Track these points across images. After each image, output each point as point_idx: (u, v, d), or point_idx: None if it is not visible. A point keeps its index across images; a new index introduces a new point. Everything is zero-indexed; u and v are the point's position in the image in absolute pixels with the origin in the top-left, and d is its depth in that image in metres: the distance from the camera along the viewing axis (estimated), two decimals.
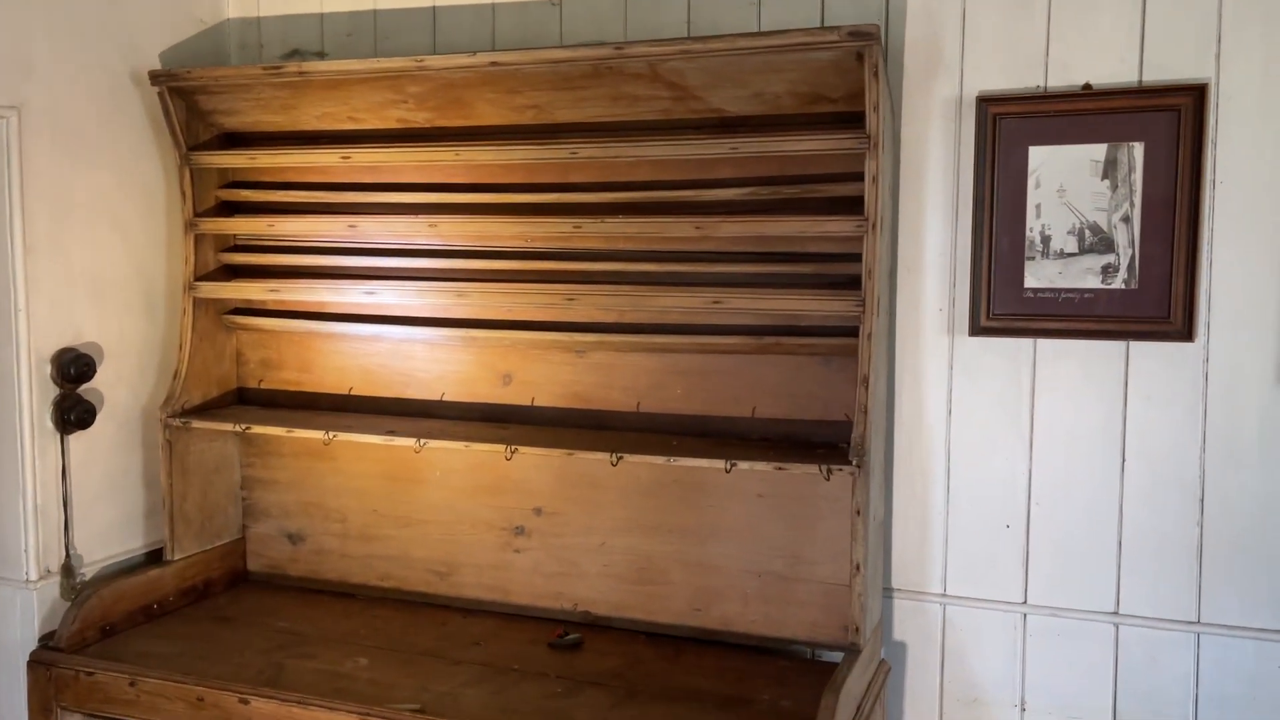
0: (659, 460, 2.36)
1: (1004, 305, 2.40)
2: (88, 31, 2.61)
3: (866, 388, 2.23)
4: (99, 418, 2.64)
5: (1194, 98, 2.23)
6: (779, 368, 2.50)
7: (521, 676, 2.36)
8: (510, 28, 2.78)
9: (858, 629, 2.23)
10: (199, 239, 2.82)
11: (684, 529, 2.58)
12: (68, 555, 2.59)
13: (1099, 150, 2.31)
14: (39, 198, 2.51)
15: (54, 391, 2.55)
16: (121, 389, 2.74)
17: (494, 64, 2.38)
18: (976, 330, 2.42)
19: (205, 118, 2.80)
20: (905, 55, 2.45)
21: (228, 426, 2.74)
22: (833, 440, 2.44)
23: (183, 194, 2.79)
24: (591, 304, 2.50)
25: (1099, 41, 2.31)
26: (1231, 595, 2.31)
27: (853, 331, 2.30)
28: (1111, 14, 2.30)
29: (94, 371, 2.60)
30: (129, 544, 2.78)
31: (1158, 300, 2.29)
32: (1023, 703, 2.47)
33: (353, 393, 2.87)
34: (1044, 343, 2.40)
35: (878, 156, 2.21)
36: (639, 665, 2.43)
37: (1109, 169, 2.31)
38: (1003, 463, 2.45)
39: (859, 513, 2.22)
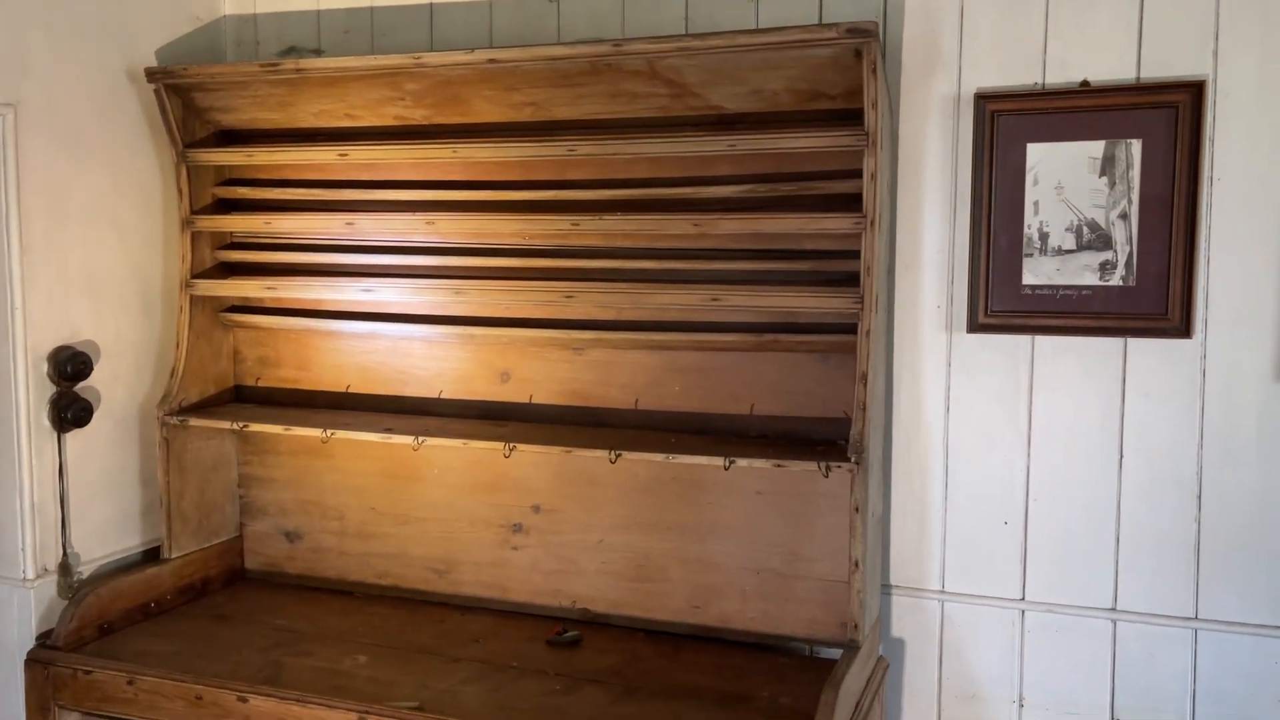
0: (657, 458, 2.36)
1: (1002, 302, 2.40)
2: (84, 29, 2.61)
3: (865, 385, 2.23)
4: (96, 416, 2.63)
5: (1192, 94, 2.23)
6: (777, 365, 2.50)
7: (520, 674, 2.36)
8: (507, 24, 2.78)
9: (856, 626, 2.23)
10: (196, 236, 2.81)
11: (682, 526, 2.58)
12: (65, 553, 2.59)
13: (1097, 147, 2.31)
14: (35, 195, 2.50)
15: (51, 390, 2.54)
16: (118, 387, 2.73)
17: (492, 61, 2.37)
18: (974, 327, 2.43)
19: (202, 115, 2.80)
20: (903, 52, 2.45)
21: (225, 424, 2.73)
22: (831, 437, 2.44)
23: (179, 191, 2.79)
24: (589, 301, 2.50)
25: (1097, 38, 2.31)
26: (1229, 591, 2.31)
27: (851, 328, 2.30)
28: (1109, 11, 2.30)
29: (91, 369, 2.59)
30: (126, 542, 2.77)
31: (1155, 297, 2.29)
32: (1021, 699, 2.48)
33: (350, 390, 2.87)
34: (1042, 340, 2.40)
35: (876, 154, 2.21)
36: (638, 663, 2.44)
37: (1107, 166, 2.31)
38: (1001, 459, 2.45)
39: (857, 510, 2.22)
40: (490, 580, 2.77)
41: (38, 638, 2.50)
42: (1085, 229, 2.33)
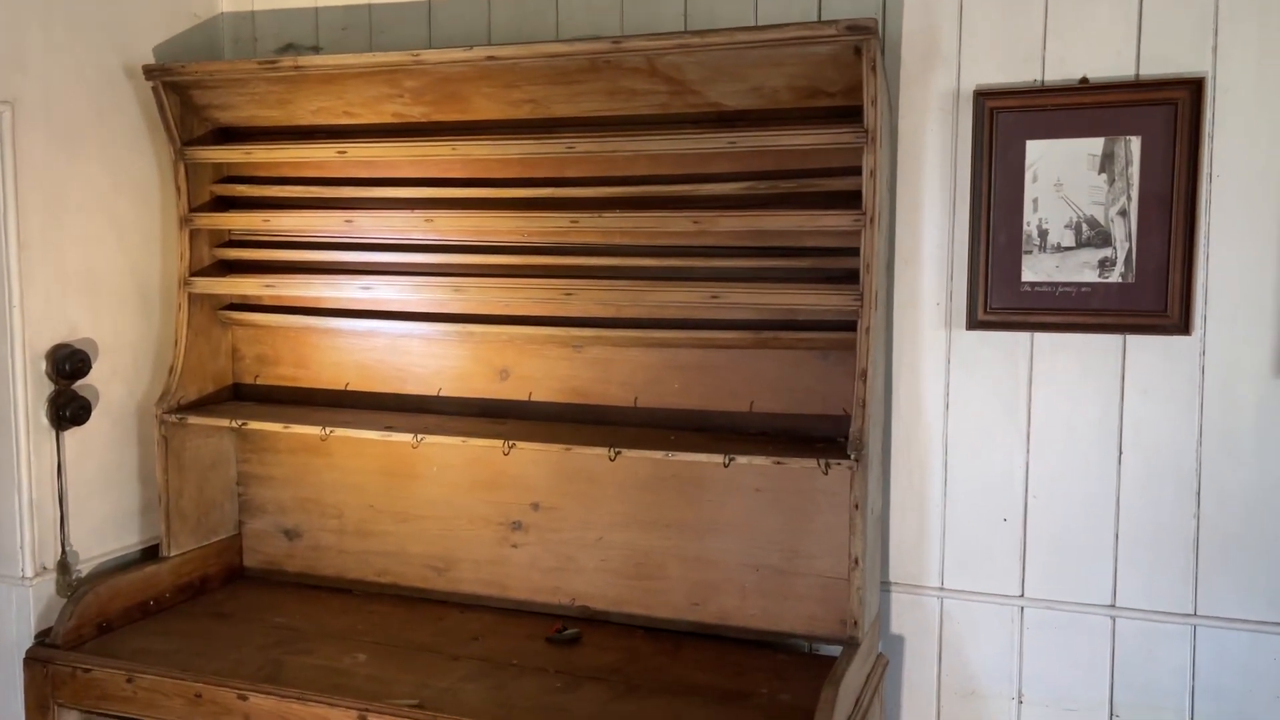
0: (657, 455, 2.36)
1: (1001, 299, 2.40)
2: (82, 26, 2.60)
3: (864, 382, 2.23)
4: (94, 414, 2.63)
5: (1191, 91, 2.23)
6: (777, 362, 2.50)
7: (520, 671, 2.36)
8: (506, 21, 2.78)
9: (856, 623, 2.24)
10: (194, 234, 2.81)
11: (682, 523, 2.59)
12: (64, 552, 2.58)
13: (1096, 144, 2.31)
14: (33, 193, 2.49)
15: (49, 388, 2.54)
16: (117, 385, 2.73)
17: (491, 58, 2.37)
18: (974, 324, 2.43)
19: (200, 112, 2.79)
20: (903, 49, 2.45)
21: (224, 422, 2.73)
22: (831, 434, 2.44)
23: (177, 189, 2.78)
24: (589, 299, 2.50)
25: (1096, 35, 2.31)
26: (1228, 588, 2.31)
27: (850, 325, 2.30)
28: (1108, 7, 2.30)
29: (89, 367, 2.59)
30: (125, 540, 2.77)
31: (1155, 294, 2.29)
32: (1020, 695, 2.48)
33: (349, 388, 2.86)
34: (1041, 336, 2.40)
35: (875, 151, 2.21)
36: (638, 660, 2.44)
37: (1106, 163, 2.31)
38: (1000, 456, 2.46)
39: (857, 507, 2.22)
40: (489, 578, 2.76)
41: (36, 636, 2.50)
42: (1084, 226, 2.34)
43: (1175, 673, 2.36)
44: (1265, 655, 2.30)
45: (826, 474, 2.32)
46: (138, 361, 2.79)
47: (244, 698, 2.24)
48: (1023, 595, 2.46)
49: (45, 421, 2.53)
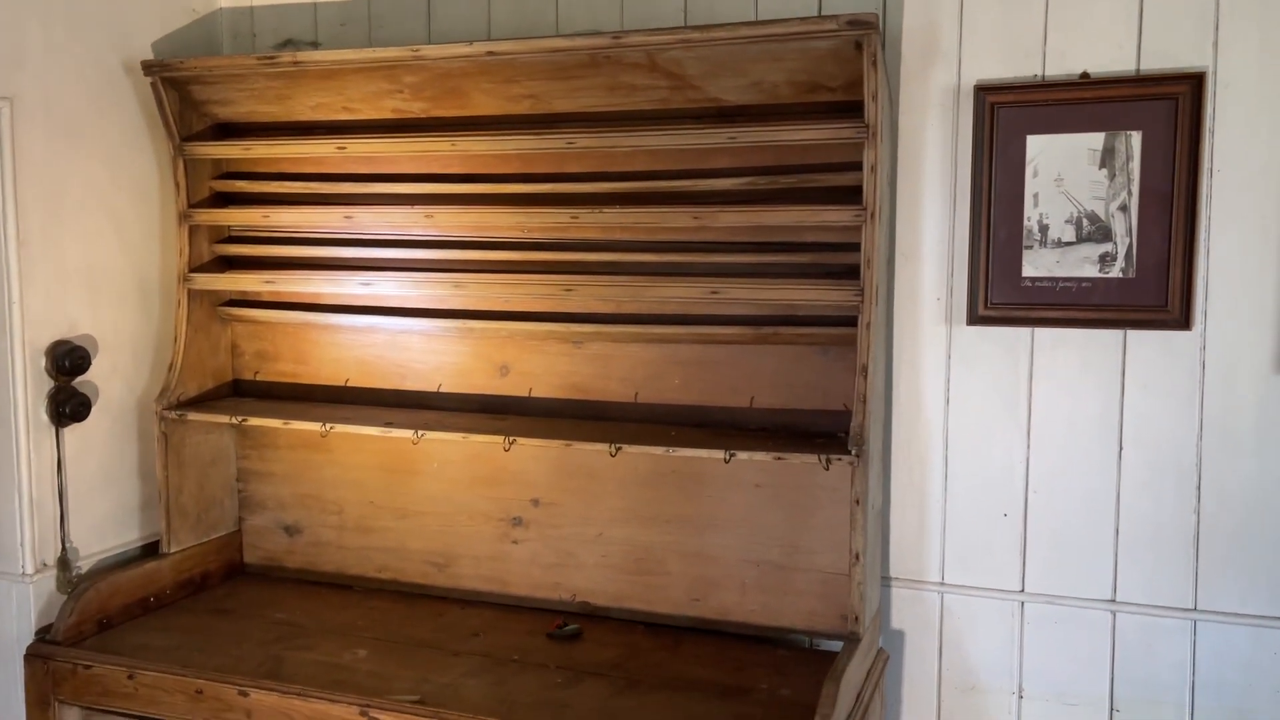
0: (657, 451, 2.36)
1: (1002, 294, 2.40)
2: (80, 21, 2.59)
3: (865, 377, 2.23)
4: (94, 410, 2.62)
5: (1191, 86, 2.23)
6: (777, 358, 2.50)
7: (521, 667, 2.36)
8: (506, 16, 2.77)
9: (857, 618, 2.24)
10: (193, 230, 2.80)
11: (682, 519, 2.59)
12: (64, 548, 2.58)
13: (1097, 139, 2.31)
14: (32, 189, 2.49)
15: (49, 384, 2.53)
16: (116, 381, 2.73)
17: (490, 54, 2.37)
18: (974, 319, 2.43)
19: (199, 108, 2.79)
20: (903, 44, 2.45)
21: (224, 418, 2.73)
22: (831, 430, 2.44)
23: (176, 185, 2.78)
24: (589, 294, 2.50)
25: (1096, 30, 2.31)
26: (1228, 583, 2.32)
27: (851, 321, 2.30)
28: (1109, 2, 2.29)
29: (89, 364, 2.59)
30: (125, 537, 2.77)
31: (1155, 289, 2.29)
32: (1020, 690, 2.49)
33: (349, 384, 2.86)
34: (1041, 332, 2.40)
35: (876, 146, 2.21)
36: (638, 655, 2.44)
37: (1107, 158, 2.31)
38: (1000, 451, 2.46)
39: (858, 502, 2.22)
40: (490, 574, 2.77)
41: (37, 633, 2.50)
42: (1085, 221, 2.34)
43: (1175, 667, 2.36)
44: (1265, 650, 2.30)
45: (827, 469, 2.32)
46: (137, 358, 2.79)
47: (245, 694, 2.24)
48: (1023, 590, 2.47)
49: (45, 418, 2.53)
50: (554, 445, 2.47)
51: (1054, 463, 2.42)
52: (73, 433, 2.60)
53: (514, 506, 2.73)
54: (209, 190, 2.84)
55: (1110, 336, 2.35)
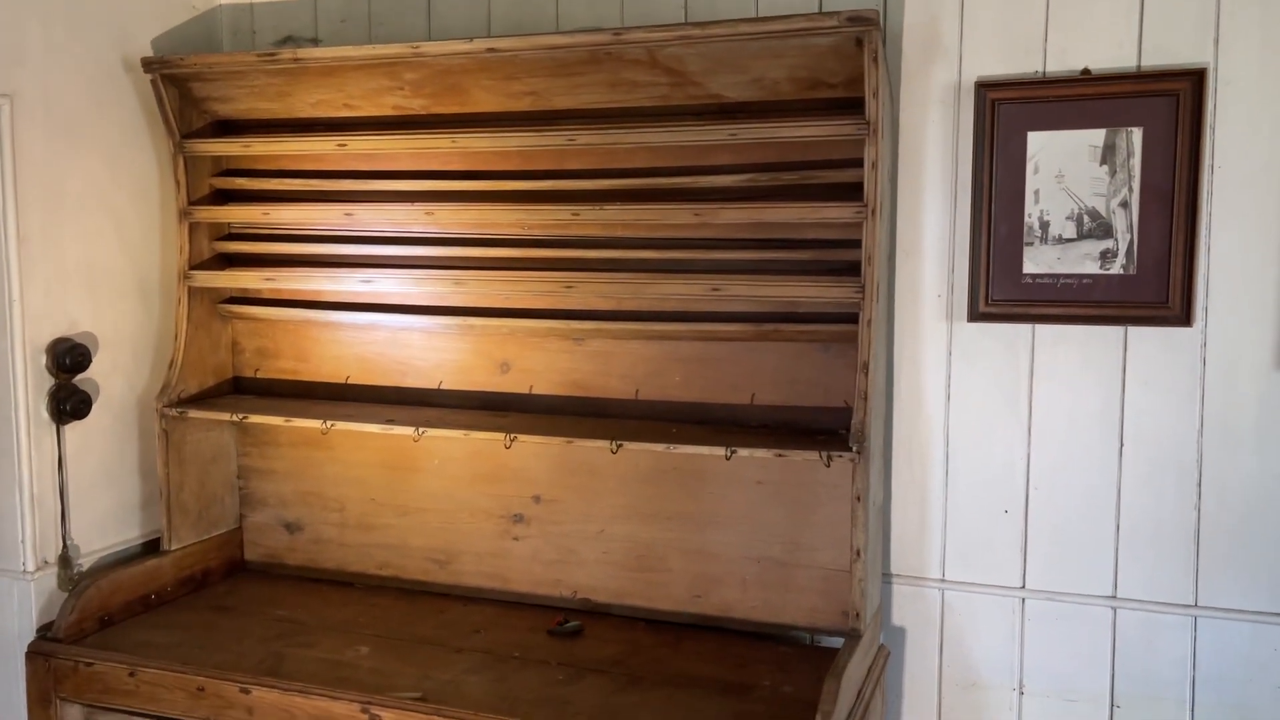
0: (658, 448, 2.36)
1: (1002, 291, 2.40)
2: (80, 18, 2.59)
3: (866, 374, 2.23)
4: (95, 408, 2.62)
5: (1192, 82, 2.23)
6: (778, 354, 2.50)
7: (523, 664, 2.36)
8: (506, 12, 2.77)
9: (858, 614, 2.24)
10: (193, 228, 2.80)
11: (683, 516, 2.59)
12: (65, 546, 2.58)
13: (1098, 135, 2.31)
14: (32, 187, 2.49)
15: (49, 382, 2.53)
16: (117, 379, 2.73)
17: (491, 50, 2.36)
18: (975, 316, 2.43)
19: (198, 105, 2.78)
20: (904, 40, 2.45)
21: (225, 416, 2.72)
22: (832, 426, 2.44)
23: (176, 182, 2.77)
24: (590, 291, 2.50)
25: (1097, 26, 2.31)
26: (1229, 579, 2.32)
27: (852, 318, 2.30)
28: None
29: (89, 361, 2.58)
30: (126, 534, 2.77)
31: (1156, 285, 2.29)
32: (1021, 686, 2.49)
33: (350, 381, 2.86)
34: (1042, 328, 2.40)
35: (877, 142, 2.21)
36: (640, 652, 2.44)
37: (1108, 154, 2.31)
38: (1001, 448, 2.46)
39: (859, 499, 2.22)
40: (491, 570, 2.77)
41: (38, 630, 2.50)
42: (1086, 217, 2.33)
43: (1176, 663, 2.37)
44: (1266, 646, 2.31)
45: (829, 466, 2.32)
46: (138, 355, 2.79)
47: (246, 691, 2.24)
48: (1024, 587, 2.47)
49: (46, 416, 2.53)
50: (555, 442, 2.47)
51: (1055, 459, 2.42)
52: (73, 430, 2.60)
53: (515, 503, 2.73)
54: (209, 187, 2.84)
55: (1111, 333, 2.35)
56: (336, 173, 2.75)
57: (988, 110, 2.37)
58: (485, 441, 2.57)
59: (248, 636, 2.51)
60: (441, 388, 2.78)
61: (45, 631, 2.48)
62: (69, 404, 2.53)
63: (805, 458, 2.27)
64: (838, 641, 2.37)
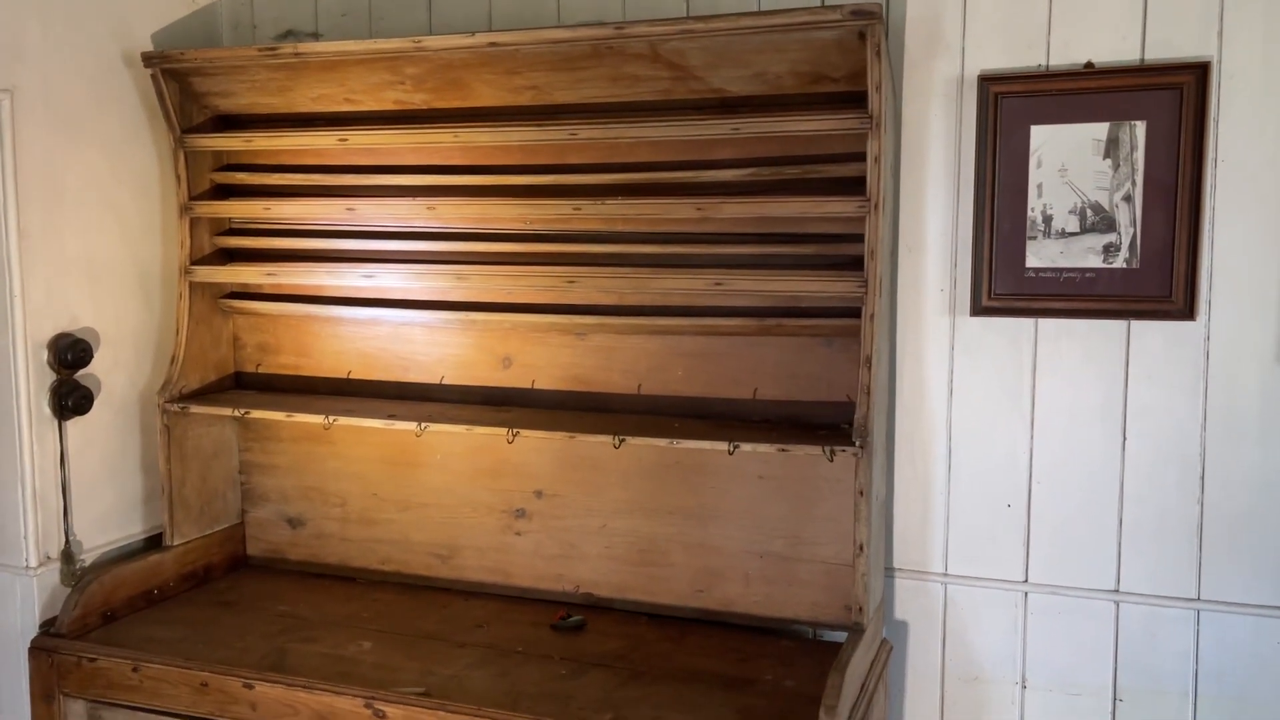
0: (661, 443, 2.35)
1: (1005, 285, 2.40)
2: (79, 13, 2.58)
3: (869, 368, 2.23)
4: (96, 403, 2.62)
5: (1196, 76, 2.22)
6: (780, 349, 2.49)
7: (525, 659, 2.37)
8: (507, 6, 2.76)
9: (861, 609, 2.24)
10: (194, 223, 2.80)
11: (685, 510, 2.59)
12: (67, 541, 2.58)
13: (1101, 129, 2.31)
14: (32, 182, 2.48)
15: (51, 377, 2.53)
16: (119, 374, 2.72)
17: (492, 45, 2.36)
18: (978, 310, 2.42)
19: (199, 100, 2.78)
20: (906, 34, 2.44)
21: (226, 411, 2.72)
22: (834, 421, 2.44)
23: (177, 177, 2.77)
24: (592, 286, 2.49)
25: (1101, 19, 2.30)
26: (1231, 573, 2.32)
27: (854, 312, 2.29)
28: None
29: (91, 357, 2.58)
30: (128, 529, 2.77)
31: (1159, 279, 2.29)
32: (1024, 680, 2.49)
33: (351, 376, 2.86)
34: (1045, 322, 2.40)
35: (880, 136, 2.20)
36: (642, 646, 2.44)
37: (1111, 148, 2.30)
38: (1004, 442, 2.46)
39: (862, 493, 2.22)
40: (493, 565, 2.77)
41: (41, 626, 2.50)
42: (1089, 211, 2.33)
43: (1179, 657, 2.37)
44: (1268, 639, 2.31)
45: (831, 461, 2.32)
46: (139, 351, 2.79)
47: (250, 686, 2.25)
48: (1026, 581, 2.47)
49: (48, 411, 2.53)
50: (557, 437, 2.47)
51: (1057, 453, 2.42)
52: (75, 426, 2.59)
53: (517, 498, 2.73)
54: (210, 182, 2.84)
55: (1114, 327, 2.35)
56: (338, 168, 2.75)
57: (990, 104, 2.36)
58: (487, 436, 2.57)
59: (250, 632, 2.51)
60: (443, 383, 2.77)
61: (48, 627, 2.49)
62: (71, 400, 2.53)
63: (808, 452, 2.27)
64: (840, 636, 2.38)
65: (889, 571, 2.56)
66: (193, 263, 2.79)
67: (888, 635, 2.55)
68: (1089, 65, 2.31)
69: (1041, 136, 2.34)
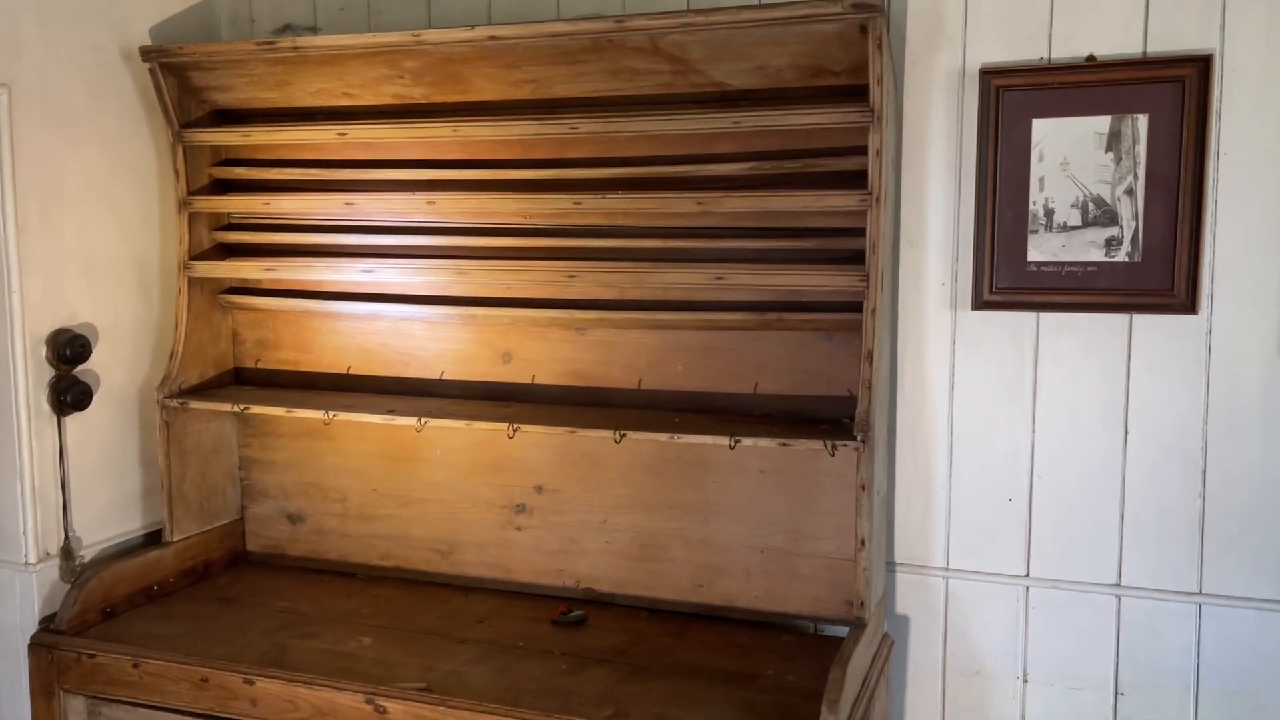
0: (662, 437, 2.35)
1: (1007, 279, 2.39)
2: (77, 8, 2.57)
3: (870, 363, 2.22)
4: (95, 399, 2.61)
5: (1198, 69, 2.22)
6: (781, 343, 2.49)
7: (526, 654, 2.36)
8: (506, 0, 2.75)
9: (862, 603, 2.23)
10: (193, 218, 2.79)
11: (686, 505, 2.58)
12: (67, 537, 2.57)
13: (1103, 122, 2.30)
14: (30, 177, 2.47)
15: (50, 373, 2.52)
16: (118, 370, 2.72)
17: (492, 38, 2.35)
18: (979, 304, 2.42)
19: (197, 94, 2.77)
20: (907, 27, 2.43)
21: (225, 407, 2.72)
22: (835, 416, 2.43)
23: (175, 172, 2.76)
24: (592, 281, 2.49)
25: (1103, 12, 2.29)
26: (1233, 567, 2.32)
27: (855, 306, 2.29)
28: None
29: (90, 352, 2.57)
30: (127, 525, 2.76)
31: (1161, 273, 2.28)
32: (1025, 674, 2.49)
33: (351, 372, 2.85)
34: (1047, 316, 2.40)
35: (881, 130, 2.20)
36: (643, 642, 2.44)
37: (1113, 141, 2.30)
38: (1005, 436, 2.45)
39: (863, 488, 2.22)
40: (494, 561, 2.76)
41: (41, 622, 2.50)
42: (1091, 205, 2.32)
43: (1180, 651, 2.37)
44: (1270, 633, 2.31)
45: (833, 455, 2.31)
46: (138, 346, 2.78)
47: (250, 682, 2.24)
48: (1028, 575, 2.47)
49: (46, 407, 2.52)
50: (558, 432, 2.46)
51: (1059, 448, 2.41)
52: (74, 422, 2.59)
53: (517, 493, 2.73)
54: (208, 177, 2.83)
55: (1116, 321, 2.35)
56: (337, 162, 2.74)
57: (992, 97, 2.35)
58: (487, 432, 2.57)
59: (250, 628, 2.51)
60: (443, 378, 2.77)
61: (48, 623, 2.48)
62: (69, 395, 2.52)
63: (809, 447, 2.27)
64: (842, 630, 2.37)
65: (890, 566, 2.56)
66: (191, 258, 2.78)
67: (889, 630, 2.55)
68: (1091, 58, 2.30)
69: (1043, 130, 2.34)
